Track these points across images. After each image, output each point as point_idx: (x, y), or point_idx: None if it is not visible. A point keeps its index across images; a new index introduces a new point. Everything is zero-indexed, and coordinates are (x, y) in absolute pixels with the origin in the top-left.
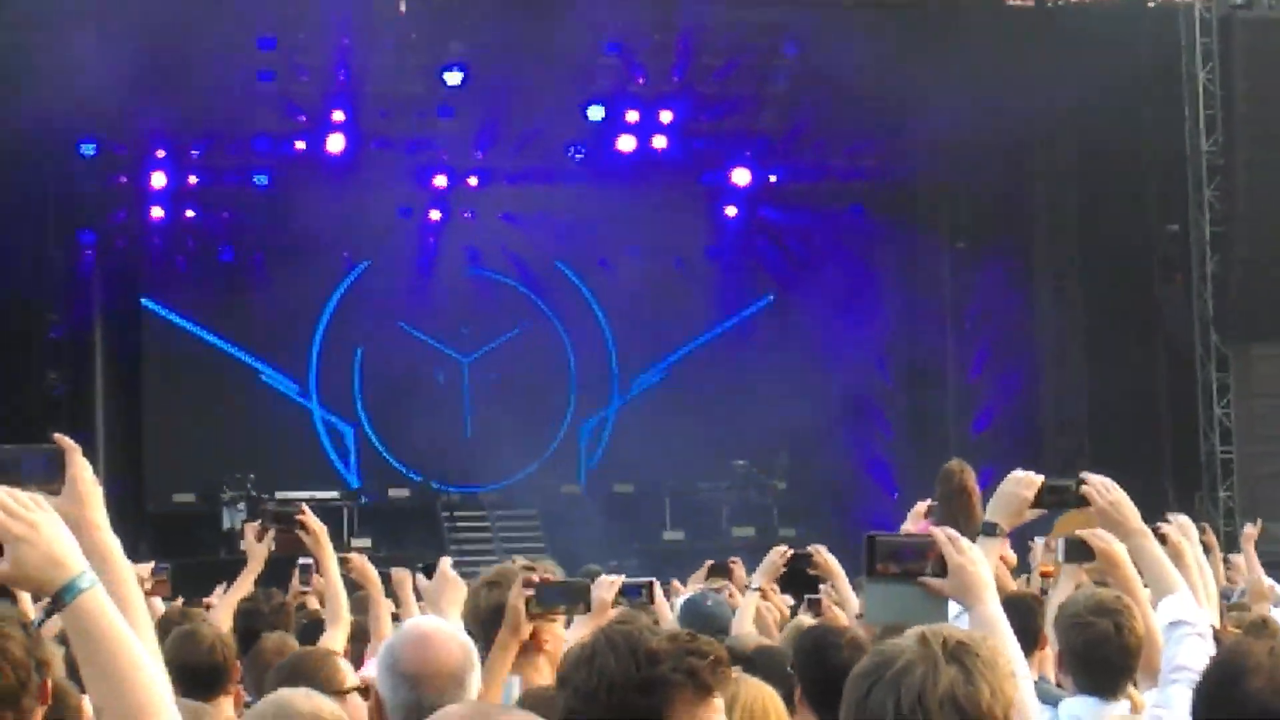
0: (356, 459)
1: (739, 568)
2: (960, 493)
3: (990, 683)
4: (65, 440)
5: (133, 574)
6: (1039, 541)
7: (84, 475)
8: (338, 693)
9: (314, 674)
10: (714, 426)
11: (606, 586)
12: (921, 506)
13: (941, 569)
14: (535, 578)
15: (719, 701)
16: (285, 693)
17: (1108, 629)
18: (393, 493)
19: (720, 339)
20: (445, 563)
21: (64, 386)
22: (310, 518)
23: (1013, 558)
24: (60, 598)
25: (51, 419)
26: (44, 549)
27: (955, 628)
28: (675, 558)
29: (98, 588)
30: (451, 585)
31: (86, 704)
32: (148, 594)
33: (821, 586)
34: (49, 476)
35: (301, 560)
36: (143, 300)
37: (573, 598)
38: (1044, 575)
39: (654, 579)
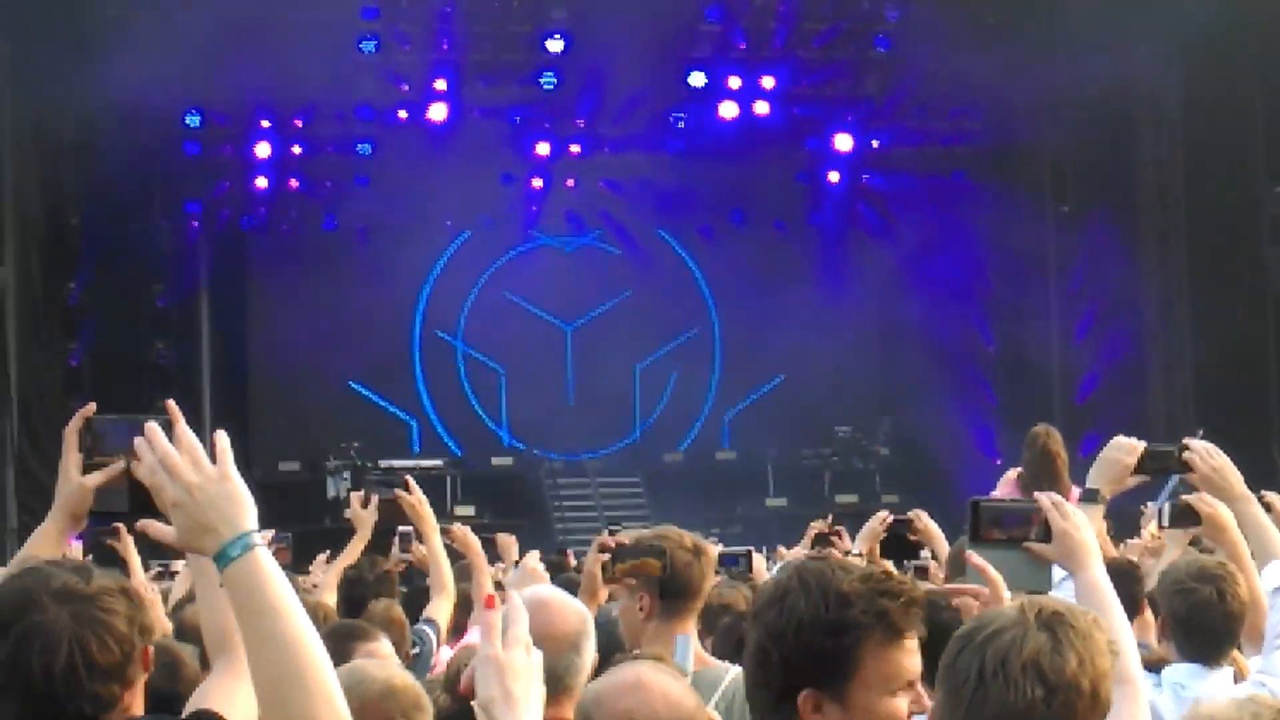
0: (459, 427)
1: (843, 535)
2: (1044, 456)
3: (1080, 652)
4: (174, 410)
5: None
6: (1151, 507)
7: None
8: None
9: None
10: (816, 393)
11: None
12: (1012, 473)
13: (1046, 534)
14: (611, 542)
15: (911, 643)
16: (360, 662)
17: (1211, 595)
18: (495, 461)
19: (821, 304)
20: (532, 558)
21: (171, 356)
22: (411, 485)
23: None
24: (216, 564)
25: (159, 388)
26: (196, 515)
27: (1059, 599)
28: (778, 525)
29: (252, 555)
30: (532, 579)
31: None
32: None
33: (922, 552)
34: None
35: (401, 529)
36: (252, 276)
37: (650, 558)
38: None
39: (751, 548)
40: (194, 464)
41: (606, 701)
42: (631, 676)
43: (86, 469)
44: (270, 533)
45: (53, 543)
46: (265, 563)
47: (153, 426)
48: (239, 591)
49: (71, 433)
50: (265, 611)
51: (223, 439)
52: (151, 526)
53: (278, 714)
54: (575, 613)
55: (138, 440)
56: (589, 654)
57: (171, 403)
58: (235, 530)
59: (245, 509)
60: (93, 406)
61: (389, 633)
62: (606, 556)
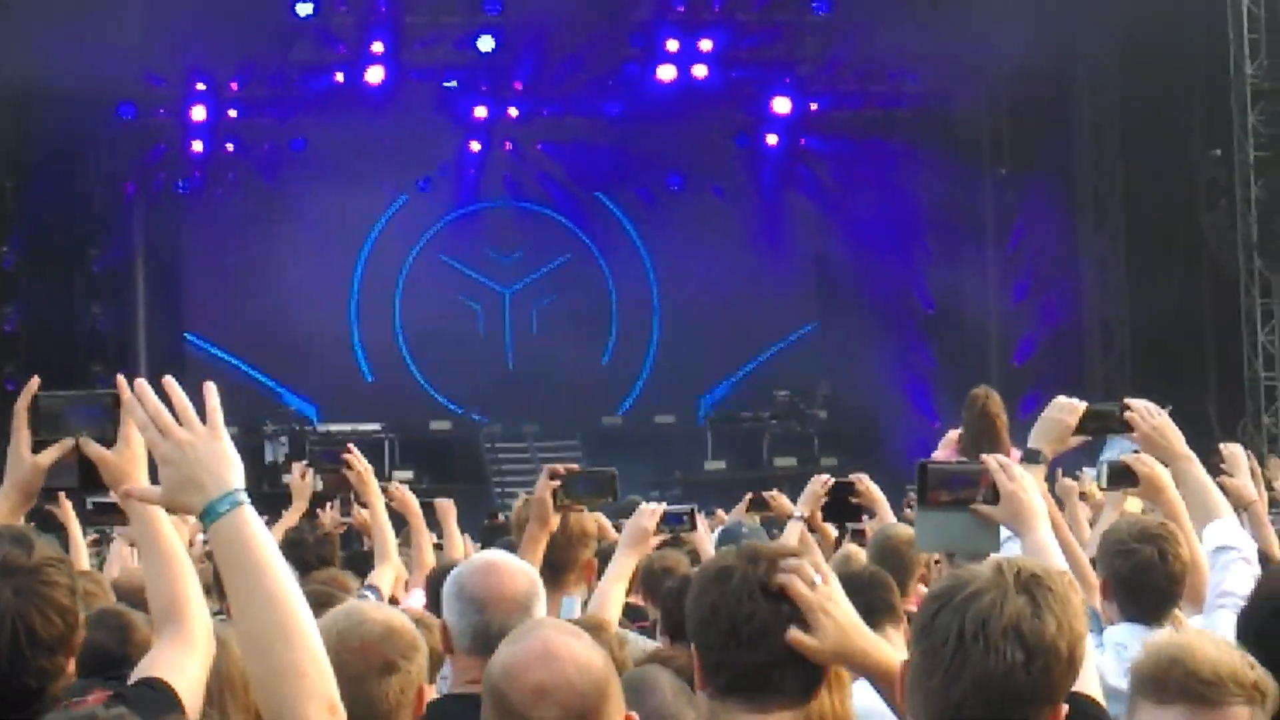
0: (396, 390)
1: (779, 499)
2: (984, 418)
3: (1059, 616)
4: (125, 390)
5: (172, 525)
6: (1088, 472)
7: (135, 434)
8: None
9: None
10: (754, 356)
11: (648, 515)
12: (953, 435)
13: (993, 496)
14: (561, 469)
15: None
16: (356, 602)
17: (1152, 555)
18: (434, 425)
19: (759, 268)
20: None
21: (107, 320)
22: (356, 458)
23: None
24: (201, 521)
25: (95, 353)
26: (186, 471)
27: (1033, 560)
28: (717, 488)
29: (239, 511)
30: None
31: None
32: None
33: (864, 516)
34: (101, 424)
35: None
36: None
37: (599, 489)
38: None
39: (695, 505)
40: (186, 422)
41: (517, 674)
42: (539, 645)
43: (35, 446)
44: None
45: (4, 520)
46: (251, 519)
47: (141, 383)
48: (226, 547)
49: (21, 410)
50: (252, 566)
51: (213, 396)
52: (135, 489)
53: (263, 664)
54: (524, 574)
55: (126, 395)
56: (539, 613)
57: (121, 378)
58: (224, 487)
59: (234, 467)
60: (36, 381)
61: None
62: (557, 484)
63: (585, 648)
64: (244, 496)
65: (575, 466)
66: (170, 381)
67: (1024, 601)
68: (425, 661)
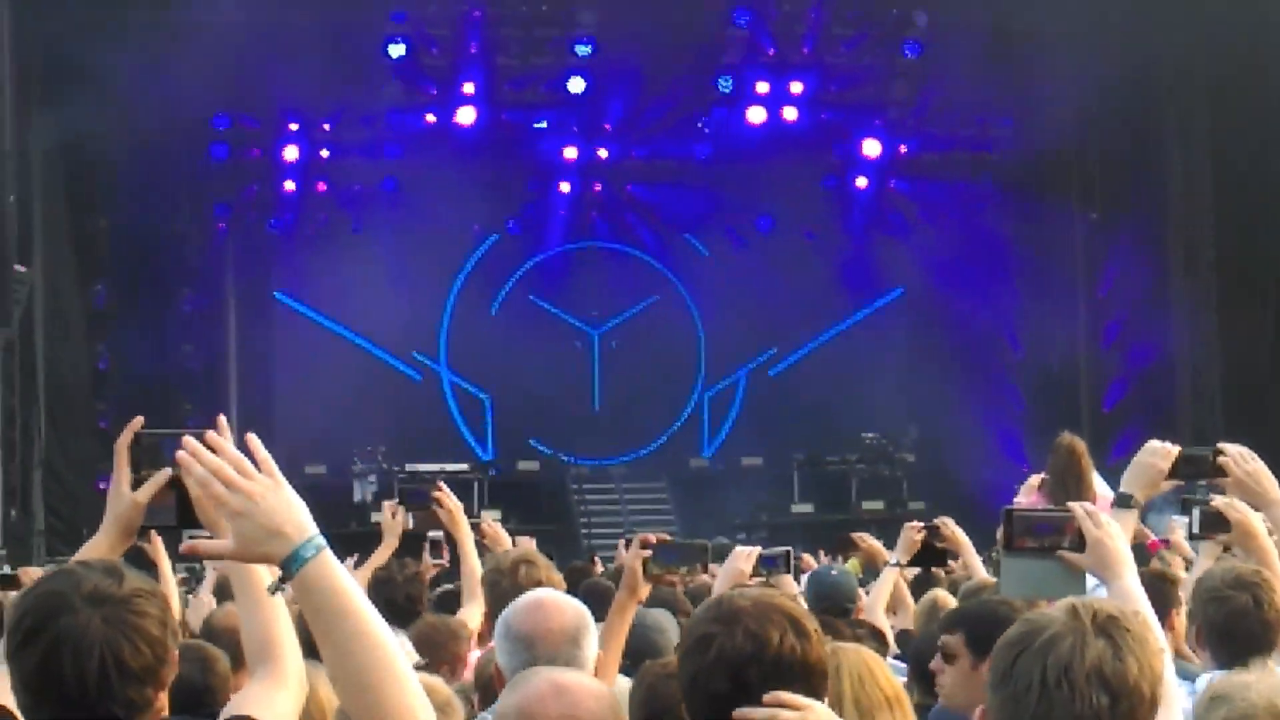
0: (488, 431)
1: (869, 541)
2: (1074, 464)
3: (1139, 658)
4: (223, 426)
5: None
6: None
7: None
8: None
9: None
10: (843, 399)
11: (744, 557)
12: (1035, 480)
13: (1079, 543)
14: (653, 538)
15: None
16: None
17: (1246, 603)
18: (522, 465)
19: (848, 311)
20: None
21: (198, 359)
22: (447, 496)
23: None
24: (286, 569)
25: (186, 392)
26: (262, 521)
27: (1106, 600)
28: (804, 531)
29: (323, 555)
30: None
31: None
32: None
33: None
34: None
35: (431, 535)
36: (275, 292)
37: (691, 557)
38: (1156, 546)
39: (790, 548)
40: (246, 473)
41: (536, 712)
42: (546, 685)
43: (135, 483)
44: None
45: (104, 556)
46: (334, 562)
47: (190, 440)
48: (316, 594)
49: (122, 447)
50: (347, 610)
51: (258, 445)
52: (201, 546)
53: (374, 709)
54: (572, 609)
55: (180, 455)
56: (590, 648)
57: (222, 419)
58: (304, 533)
59: (306, 512)
60: (140, 420)
61: (217, 641)
62: (648, 553)
63: (589, 679)
64: (323, 540)
65: (667, 536)
66: (223, 430)
67: (1104, 644)
68: None
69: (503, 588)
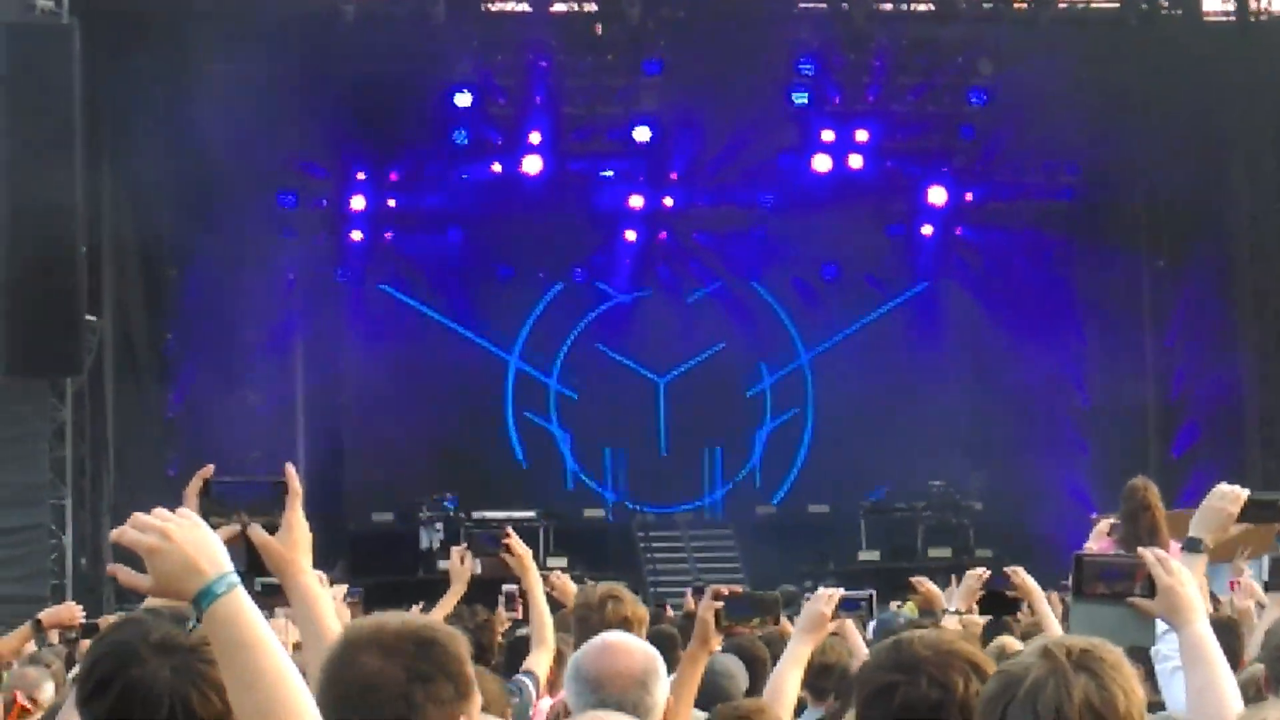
0: (553, 480)
1: (927, 586)
2: (1144, 510)
3: (1123, 686)
4: (293, 479)
5: (333, 611)
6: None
7: (299, 520)
8: None
9: None
10: (910, 446)
11: (825, 600)
12: (1104, 525)
13: (1150, 589)
14: (725, 590)
15: None
16: None
17: None
18: (588, 513)
19: (914, 358)
20: None
21: (266, 406)
22: (516, 542)
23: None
24: (197, 604)
25: (254, 439)
26: (177, 557)
27: (1077, 637)
28: (871, 579)
29: (235, 592)
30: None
31: None
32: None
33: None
34: (268, 509)
35: (506, 588)
36: (347, 328)
37: (763, 610)
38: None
39: (873, 592)
40: (163, 516)
41: None
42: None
43: None
44: (343, 588)
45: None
46: (245, 600)
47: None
48: (225, 628)
49: (191, 494)
50: (253, 645)
51: (295, 500)
52: (120, 573)
53: None
54: (641, 652)
55: (113, 532)
56: (660, 693)
57: (290, 467)
58: (219, 569)
59: (223, 552)
60: (210, 469)
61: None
62: (720, 605)
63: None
64: (237, 579)
65: (739, 589)
66: (291, 476)
67: (1086, 679)
68: None
69: (590, 623)
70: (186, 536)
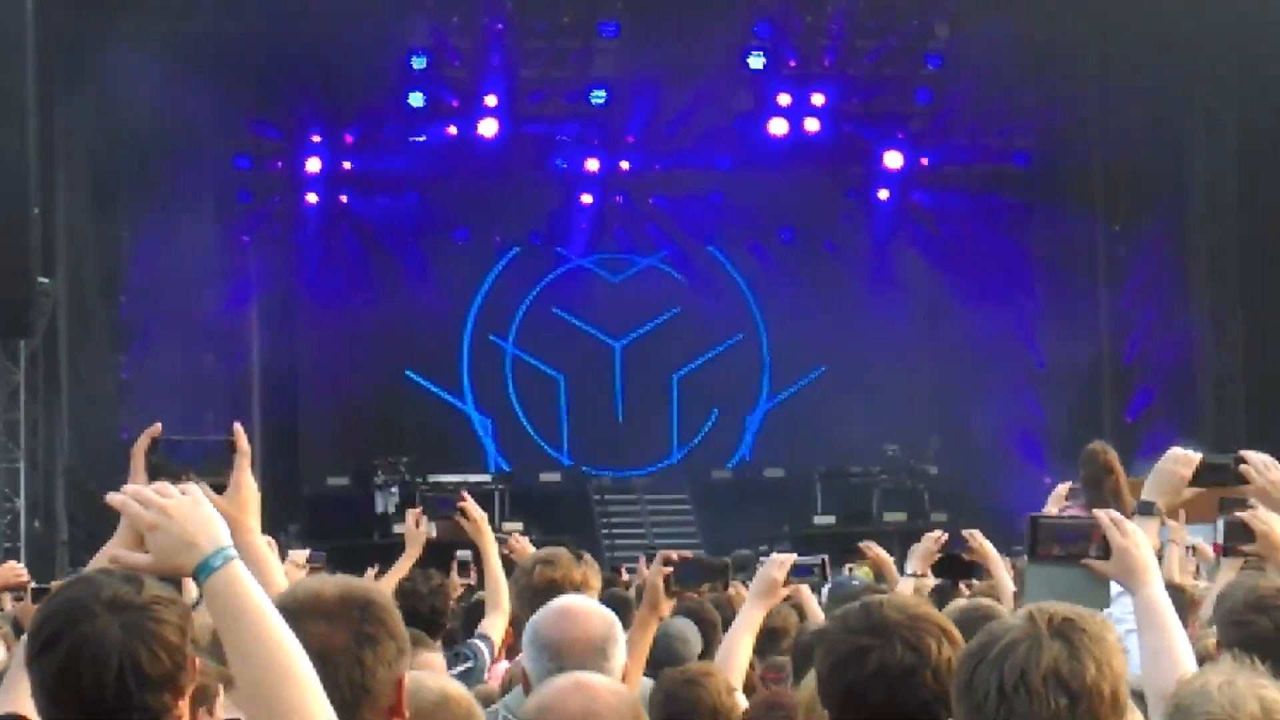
0: (506, 443)
1: (874, 550)
2: (1107, 473)
3: (1096, 657)
4: (241, 439)
5: (282, 573)
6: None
7: (247, 480)
8: None
9: None
10: (864, 411)
11: (778, 565)
12: (1062, 489)
13: (1105, 551)
14: (675, 556)
15: None
16: (414, 673)
17: (1268, 628)
18: (544, 476)
19: (870, 323)
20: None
21: (220, 369)
22: (472, 506)
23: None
24: (196, 577)
25: (209, 401)
26: (176, 533)
27: (1064, 605)
28: (826, 543)
29: (233, 565)
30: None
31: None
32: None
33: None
34: (216, 469)
35: (460, 554)
36: (302, 292)
37: (712, 575)
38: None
39: (826, 556)
40: (164, 492)
41: (555, 707)
42: (568, 682)
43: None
44: (305, 552)
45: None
46: (243, 572)
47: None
48: (223, 599)
49: (139, 452)
50: (250, 614)
51: (244, 460)
52: (121, 556)
53: (271, 710)
54: (600, 617)
55: (108, 495)
56: (617, 659)
57: (238, 426)
58: (216, 544)
59: (223, 528)
60: (159, 427)
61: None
62: (669, 570)
63: (613, 681)
64: (234, 552)
65: (689, 554)
66: (240, 436)
67: (1060, 646)
68: None
69: (522, 587)
70: (186, 513)
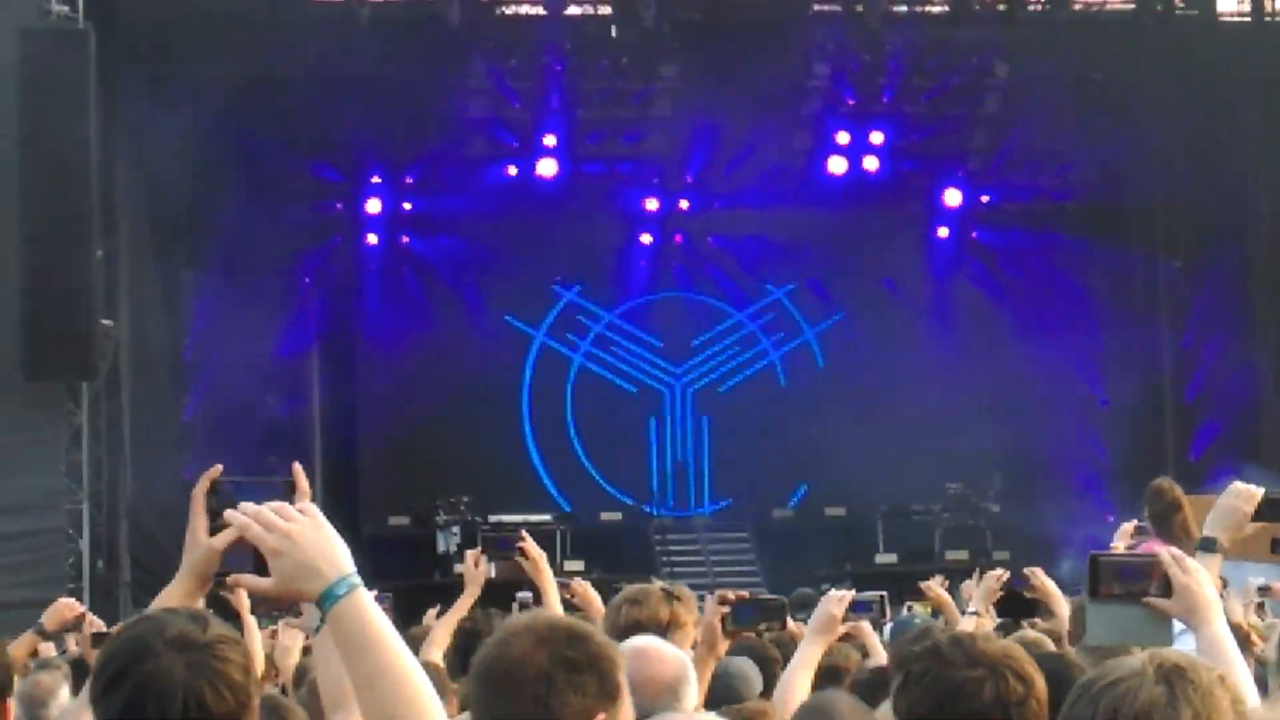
0: (568, 482)
1: (935, 590)
2: (1176, 509)
3: (1196, 708)
4: (301, 479)
5: None
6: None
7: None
8: None
9: None
10: (927, 449)
11: (836, 601)
12: (1128, 526)
13: (1166, 589)
14: (732, 595)
15: None
16: None
17: None
18: (605, 516)
19: (932, 360)
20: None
21: (283, 410)
22: (530, 545)
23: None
24: (320, 606)
25: (271, 442)
26: (299, 558)
27: (1185, 653)
28: (887, 581)
29: (357, 593)
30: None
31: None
32: None
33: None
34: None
35: (520, 595)
36: (362, 332)
37: (769, 615)
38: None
39: (884, 593)
40: (287, 516)
41: None
42: None
43: (213, 531)
44: (372, 593)
45: (179, 604)
46: (368, 600)
47: (245, 508)
48: (347, 628)
49: (199, 495)
50: (376, 644)
51: (300, 474)
52: (244, 580)
53: None
54: (674, 659)
55: (228, 512)
56: (689, 700)
57: (298, 466)
58: (339, 570)
59: (344, 552)
60: (218, 469)
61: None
62: (726, 610)
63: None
64: (358, 579)
65: (745, 594)
66: (299, 476)
67: (1161, 691)
68: None
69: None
70: (309, 537)
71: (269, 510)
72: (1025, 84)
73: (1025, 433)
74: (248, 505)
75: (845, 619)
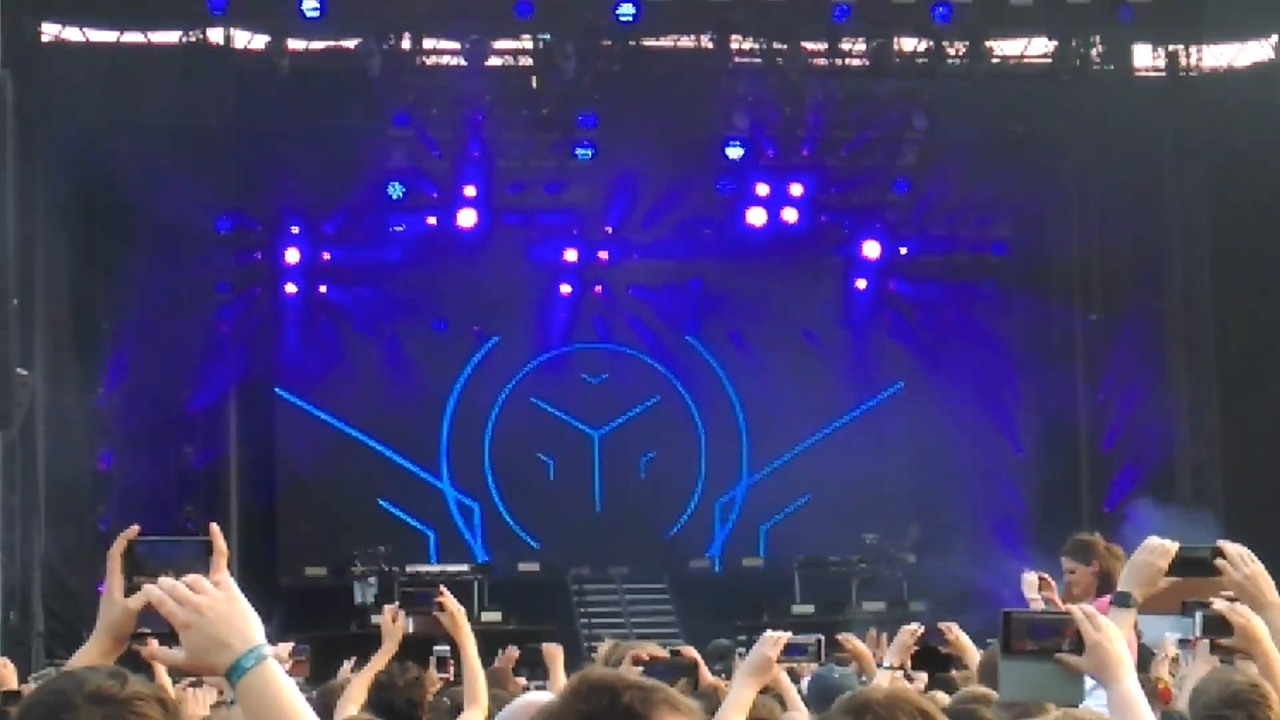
0: (486, 533)
1: (853, 643)
2: (1114, 560)
3: None
4: (218, 539)
5: None
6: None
7: (227, 580)
8: None
9: None
10: (843, 499)
11: (771, 644)
12: (1031, 577)
13: (1078, 645)
14: (645, 654)
15: None
16: None
17: None
18: (522, 566)
19: (847, 411)
20: None
21: (199, 459)
22: (449, 600)
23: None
24: (228, 678)
25: (188, 492)
26: (209, 632)
27: (1097, 712)
28: (805, 632)
29: (265, 665)
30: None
31: None
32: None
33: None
34: (194, 568)
35: (437, 650)
36: (276, 390)
37: (681, 672)
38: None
39: (821, 636)
40: (199, 588)
41: None
42: None
43: (128, 591)
44: (289, 645)
45: (95, 663)
46: (278, 672)
47: (165, 583)
48: (255, 700)
49: (115, 555)
50: (284, 714)
51: (218, 535)
52: (157, 653)
53: None
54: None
55: (145, 587)
56: None
57: (215, 526)
58: (248, 643)
59: (255, 623)
60: (135, 529)
61: None
62: (639, 669)
63: None
64: (268, 650)
65: (660, 653)
66: (216, 535)
67: None
68: None
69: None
70: (219, 611)
71: (182, 585)
72: (944, 137)
73: (941, 482)
74: (165, 580)
75: (780, 661)
